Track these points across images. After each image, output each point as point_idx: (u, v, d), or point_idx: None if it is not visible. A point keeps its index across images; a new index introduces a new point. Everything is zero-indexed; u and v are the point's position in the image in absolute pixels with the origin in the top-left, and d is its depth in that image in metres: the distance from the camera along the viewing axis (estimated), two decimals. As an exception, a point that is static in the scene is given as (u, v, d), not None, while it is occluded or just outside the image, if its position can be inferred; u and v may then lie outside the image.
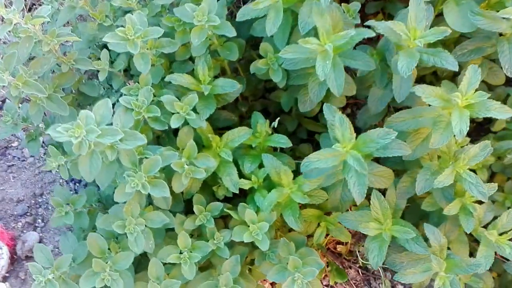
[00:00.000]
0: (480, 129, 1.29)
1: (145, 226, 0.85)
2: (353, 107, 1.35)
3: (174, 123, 0.85)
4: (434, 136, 0.78)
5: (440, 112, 0.82)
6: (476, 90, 1.08)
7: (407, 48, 0.81)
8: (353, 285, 1.41)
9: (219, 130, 1.08)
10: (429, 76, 1.21)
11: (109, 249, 0.88)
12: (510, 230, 0.88)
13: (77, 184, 1.50)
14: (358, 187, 0.77)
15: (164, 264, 0.89)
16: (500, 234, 0.87)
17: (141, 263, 0.97)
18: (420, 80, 1.12)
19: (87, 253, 0.87)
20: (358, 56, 0.88)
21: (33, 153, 1.09)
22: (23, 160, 1.54)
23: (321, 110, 1.26)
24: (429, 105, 0.87)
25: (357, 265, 1.42)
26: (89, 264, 0.85)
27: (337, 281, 1.36)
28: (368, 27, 0.82)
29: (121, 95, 1.02)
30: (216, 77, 1.00)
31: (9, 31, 0.83)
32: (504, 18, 0.83)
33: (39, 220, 1.45)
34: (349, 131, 0.77)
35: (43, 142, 1.38)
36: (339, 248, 1.43)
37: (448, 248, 0.94)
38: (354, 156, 0.75)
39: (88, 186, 1.41)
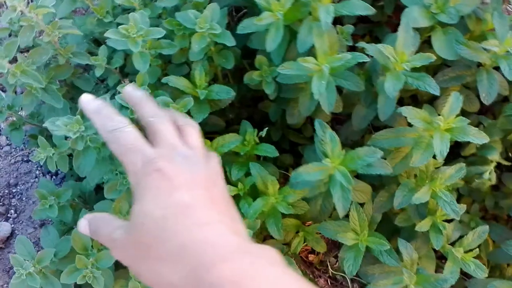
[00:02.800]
0: (450, 153, 1.37)
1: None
2: (333, 122, 1.41)
3: (169, 125, 0.87)
4: (415, 156, 0.83)
5: (421, 133, 0.87)
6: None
7: (394, 71, 0.87)
8: (322, 294, 1.46)
9: (206, 134, 1.10)
10: (407, 99, 1.28)
11: (92, 246, 0.88)
12: (475, 249, 0.94)
13: (54, 177, 1.48)
14: (343, 201, 0.82)
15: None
16: (466, 252, 0.94)
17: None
18: (399, 102, 1.19)
19: (70, 248, 0.87)
20: (349, 77, 0.93)
21: (16, 143, 1.07)
22: (-1, 148, 1.51)
23: (305, 123, 1.32)
24: (410, 126, 0.94)
25: (327, 275, 1.47)
26: (70, 260, 0.85)
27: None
28: (357, 48, 0.87)
29: (114, 93, 1.03)
30: (209, 83, 1.02)
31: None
32: (485, 49, 0.90)
33: (12, 211, 1.42)
34: (339, 148, 0.81)
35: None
36: (311, 257, 1.48)
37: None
38: (342, 171, 0.79)
39: (66, 179, 1.39)
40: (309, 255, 1.50)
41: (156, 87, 0.95)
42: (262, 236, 1.13)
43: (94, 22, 1.01)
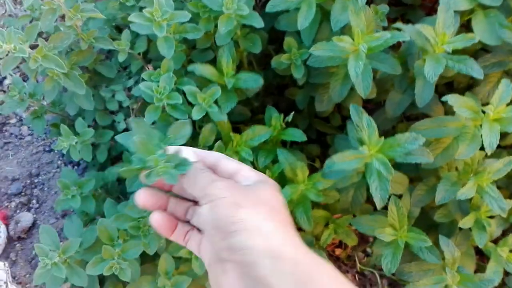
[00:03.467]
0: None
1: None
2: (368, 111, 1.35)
3: (196, 115, 0.83)
4: (461, 147, 0.77)
5: (465, 123, 0.81)
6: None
7: (433, 53, 0.81)
8: (349, 289, 1.41)
9: (232, 124, 1.06)
10: (441, 86, 1.21)
11: (118, 236, 0.85)
12: (521, 246, 0.88)
13: (76, 167, 1.46)
14: (381, 191, 0.76)
15: (175, 258, 0.87)
16: (510, 251, 0.87)
17: (145, 254, 0.94)
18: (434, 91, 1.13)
19: (95, 239, 0.84)
20: (385, 59, 0.87)
21: (37, 132, 1.05)
22: (21, 138, 1.50)
23: (333, 112, 1.25)
24: (449, 115, 0.88)
25: (354, 270, 1.42)
26: (96, 251, 0.83)
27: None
28: (396, 29, 0.81)
29: (137, 80, 1.00)
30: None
31: (15, 4, 0.79)
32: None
33: (34, 201, 1.41)
34: (376, 134, 0.75)
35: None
36: (337, 252, 1.43)
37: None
38: (381, 159, 0.73)
39: (88, 170, 1.37)
40: (336, 249, 1.45)
41: (181, 75, 0.91)
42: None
43: (116, 6, 0.97)
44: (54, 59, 0.78)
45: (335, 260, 1.43)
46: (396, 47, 1.03)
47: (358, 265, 1.40)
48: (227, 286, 0.42)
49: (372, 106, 1.18)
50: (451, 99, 0.76)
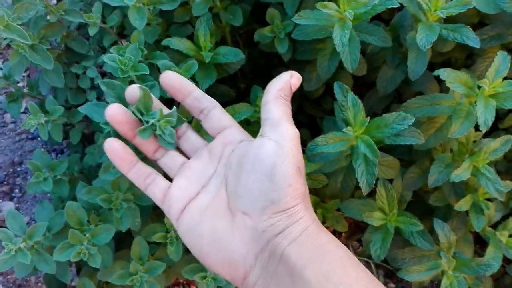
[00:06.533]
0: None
1: (133, 202, 0.78)
2: (354, 92, 1.29)
3: (170, 91, 0.77)
4: (454, 125, 0.71)
5: (460, 100, 0.75)
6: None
7: (427, 21, 0.75)
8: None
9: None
10: (438, 66, 1.15)
11: (88, 221, 0.80)
12: (519, 232, 0.82)
13: (59, 155, 1.41)
14: (367, 176, 0.71)
15: (149, 243, 0.82)
16: (510, 236, 0.82)
17: (122, 240, 0.90)
18: (429, 68, 1.07)
19: (64, 223, 0.79)
20: (374, 31, 0.81)
21: (14, 115, 1.00)
22: (3, 126, 1.45)
23: (324, 94, 1.20)
24: (444, 93, 0.82)
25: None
26: (65, 235, 0.78)
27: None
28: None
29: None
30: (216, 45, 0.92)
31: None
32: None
33: (17, 190, 1.36)
34: (362, 114, 0.70)
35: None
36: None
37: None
38: (366, 141, 0.68)
39: (71, 156, 1.32)
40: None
41: (156, 49, 0.85)
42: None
43: (89, -22, 0.91)
44: (16, 30, 0.72)
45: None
46: (387, 21, 0.98)
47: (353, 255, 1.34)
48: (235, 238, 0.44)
49: (365, 89, 1.12)
50: (444, 73, 0.70)
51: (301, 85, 1.04)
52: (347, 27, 0.69)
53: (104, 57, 0.72)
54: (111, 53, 0.74)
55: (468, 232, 0.90)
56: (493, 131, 1.09)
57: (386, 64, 0.90)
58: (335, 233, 1.38)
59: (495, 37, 0.89)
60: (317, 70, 0.89)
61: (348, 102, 0.70)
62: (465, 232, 0.87)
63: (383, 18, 0.97)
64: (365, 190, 0.71)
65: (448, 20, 0.94)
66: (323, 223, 1.04)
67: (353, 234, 1.33)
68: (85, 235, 0.76)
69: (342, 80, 0.99)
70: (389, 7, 0.70)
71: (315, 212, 1.02)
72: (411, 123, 0.67)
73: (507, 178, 1.14)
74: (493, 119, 0.67)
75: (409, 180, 0.86)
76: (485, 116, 0.67)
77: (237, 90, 1.19)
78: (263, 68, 1.23)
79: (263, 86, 1.26)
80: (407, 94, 1.06)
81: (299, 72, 1.03)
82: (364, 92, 1.09)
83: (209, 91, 1.00)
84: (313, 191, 0.98)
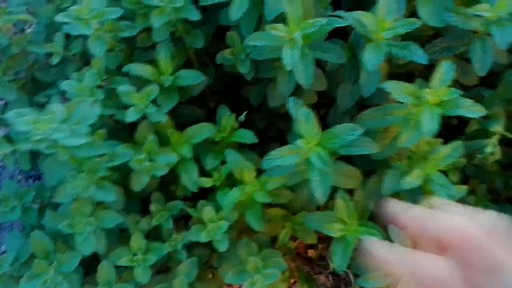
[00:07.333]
0: (454, 131, 1.26)
1: (96, 226, 0.79)
2: (320, 107, 1.32)
3: (131, 116, 0.79)
4: (403, 135, 0.74)
5: (411, 110, 0.78)
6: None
7: (375, 41, 0.78)
8: (323, 291, 1.37)
9: (183, 125, 1.02)
10: (398, 76, 1.18)
11: (56, 249, 0.81)
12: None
13: (37, 181, 1.42)
14: (322, 186, 0.73)
15: (118, 267, 0.83)
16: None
17: (92, 264, 0.90)
18: (393, 78, 1.10)
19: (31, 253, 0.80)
20: (329, 48, 0.84)
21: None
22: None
23: (292, 108, 1.22)
24: (400, 103, 0.85)
25: (328, 271, 1.38)
26: (32, 265, 0.79)
27: (305, 289, 1.31)
28: (338, 17, 0.78)
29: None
30: (181, 68, 0.94)
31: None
32: (476, 15, 0.80)
33: (-6, 217, 1.36)
34: (314, 127, 0.72)
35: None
36: (310, 252, 1.39)
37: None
38: (318, 153, 0.70)
39: (40, 183, 1.33)
40: (308, 250, 1.41)
41: (119, 74, 0.87)
42: (252, 230, 1.05)
43: (52, 9, 0.94)
44: (-25, 63, 0.74)
45: (308, 262, 1.39)
46: (346, 37, 1.01)
47: (331, 265, 1.36)
48: None
49: (331, 102, 1.15)
50: (390, 85, 0.72)
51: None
52: (296, 47, 0.72)
53: (63, 84, 0.74)
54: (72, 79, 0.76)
55: (433, 237, 0.91)
56: (459, 136, 1.12)
57: (345, 80, 0.93)
58: (313, 245, 1.40)
59: (447, 48, 0.92)
60: (276, 87, 0.91)
61: (301, 116, 0.73)
62: (429, 237, 0.88)
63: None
64: (321, 200, 0.74)
65: (403, 35, 0.98)
66: (297, 238, 1.06)
67: (330, 245, 1.35)
68: (51, 264, 0.77)
69: (305, 95, 1.02)
70: (337, 26, 0.73)
71: (283, 227, 1.05)
72: (361, 134, 0.70)
73: (474, 182, 1.17)
74: (437, 126, 0.70)
75: (371, 189, 0.88)
76: (430, 125, 0.69)
77: (208, 109, 1.22)
78: (232, 86, 1.26)
79: (233, 103, 1.30)
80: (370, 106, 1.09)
81: (264, 89, 1.08)
82: (329, 107, 1.12)
83: (176, 112, 1.03)
84: (280, 205, 1.00)
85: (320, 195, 0.72)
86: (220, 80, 1.19)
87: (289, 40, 0.74)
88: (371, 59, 0.74)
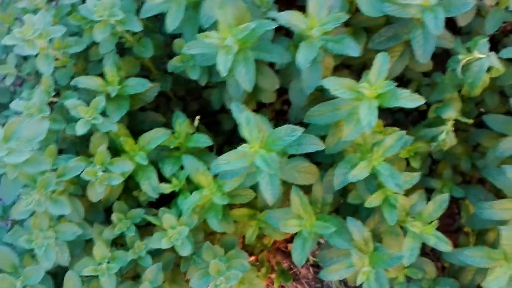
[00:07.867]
0: (420, 117, 1.27)
1: (57, 238, 0.81)
2: (283, 103, 1.34)
3: (80, 129, 0.81)
4: (346, 129, 0.76)
5: (353, 104, 0.79)
6: (408, 78, 1.06)
7: (309, 38, 0.79)
8: (305, 284, 1.39)
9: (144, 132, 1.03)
10: (355, 68, 1.17)
11: (23, 263, 0.83)
12: (436, 220, 0.86)
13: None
14: (271, 187, 0.74)
15: (86, 276, 0.85)
16: (429, 223, 0.85)
17: (64, 276, 0.93)
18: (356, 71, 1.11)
19: None
20: (273, 49, 0.85)
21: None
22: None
23: (255, 111, 1.24)
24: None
25: (308, 263, 1.40)
26: None
27: (283, 284, 1.33)
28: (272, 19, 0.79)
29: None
30: (135, 76, 0.96)
31: None
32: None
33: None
34: (257, 130, 0.73)
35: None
36: (290, 247, 1.41)
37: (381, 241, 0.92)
38: (262, 156, 0.72)
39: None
40: (288, 244, 1.43)
41: (70, 89, 0.89)
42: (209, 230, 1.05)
43: (4, 31, 0.95)
44: None
45: (288, 256, 1.41)
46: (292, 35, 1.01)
47: (311, 257, 1.38)
48: None
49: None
50: (327, 82, 0.74)
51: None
52: (230, 52, 0.73)
53: (12, 104, 0.76)
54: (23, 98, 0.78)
55: (396, 225, 0.93)
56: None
57: (295, 78, 0.94)
58: (292, 240, 1.41)
59: (392, 37, 0.93)
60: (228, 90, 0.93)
61: (243, 120, 0.74)
62: (389, 226, 0.90)
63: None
64: (271, 200, 0.75)
65: (350, 25, 0.99)
66: (260, 233, 1.07)
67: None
68: (19, 277, 0.80)
69: (263, 95, 1.04)
70: (266, 29, 0.74)
71: (250, 225, 1.06)
72: (299, 134, 0.71)
73: (445, 165, 1.18)
74: (376, 119, 0.71)
75: (328, 183, 0.89)
76: (369, 118, 0.70)
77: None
78: (196, 90, 1.27)
79: (201, 108, 1.30)
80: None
81: (222, 92, 1.09)
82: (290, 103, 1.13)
83: (137, 120, 1.04)
84: (246, 205, 1.02)
85: (269, 196, 0.73)
86: (184, 85, 1.20)
87: (223, 46, 0.75)
88: (304, 57, 0.75)
